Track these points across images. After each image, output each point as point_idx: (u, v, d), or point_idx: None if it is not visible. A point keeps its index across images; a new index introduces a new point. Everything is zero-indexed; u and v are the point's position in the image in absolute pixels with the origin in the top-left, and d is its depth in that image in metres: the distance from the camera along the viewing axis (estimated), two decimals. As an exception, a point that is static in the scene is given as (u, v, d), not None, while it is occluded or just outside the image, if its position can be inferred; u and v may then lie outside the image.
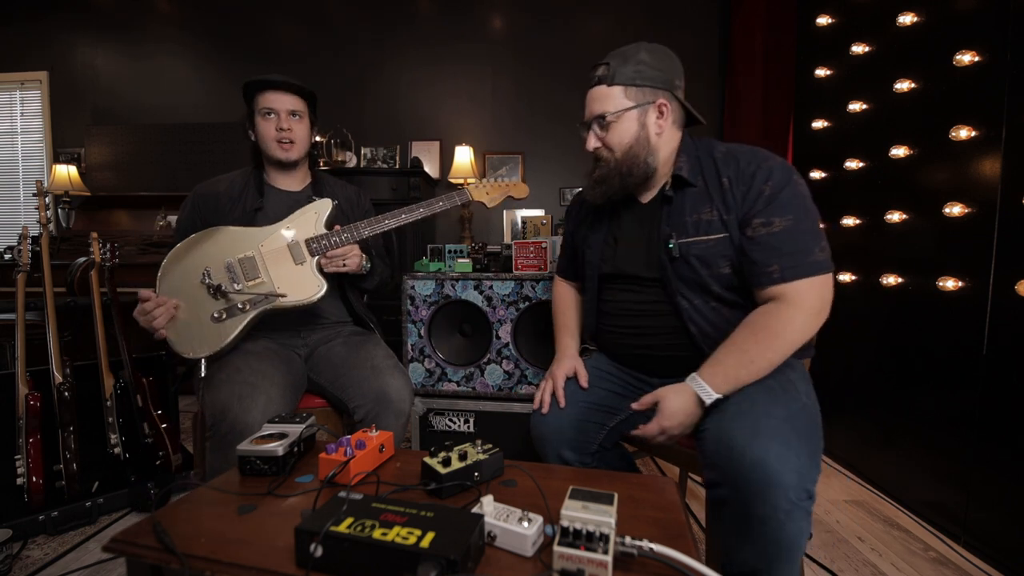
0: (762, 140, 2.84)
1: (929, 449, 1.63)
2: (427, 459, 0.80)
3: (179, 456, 1.80)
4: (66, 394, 1.57)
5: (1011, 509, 1.34)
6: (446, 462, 0.79)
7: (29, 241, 1.67)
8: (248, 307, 1.23)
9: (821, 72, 2.29)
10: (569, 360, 1.19)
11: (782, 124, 2.74)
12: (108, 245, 1.81)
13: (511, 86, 3.47)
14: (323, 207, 1.33)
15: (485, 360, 1.74)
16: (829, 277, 0.95)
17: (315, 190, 1.45)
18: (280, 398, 1.16)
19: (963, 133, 1.50)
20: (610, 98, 1.04)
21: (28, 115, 3.76)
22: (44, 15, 3.66)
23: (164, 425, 1.77)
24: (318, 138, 1.62)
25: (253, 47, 3.57)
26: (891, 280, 1.77)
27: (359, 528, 0.59)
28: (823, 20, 2.29)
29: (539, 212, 3.43)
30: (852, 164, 2.03)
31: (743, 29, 3.06)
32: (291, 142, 1.35)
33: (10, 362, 2.08)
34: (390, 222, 1.33)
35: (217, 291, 1.21)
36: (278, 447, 0.84)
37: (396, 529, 0.58)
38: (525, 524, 0.63)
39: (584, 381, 1.14)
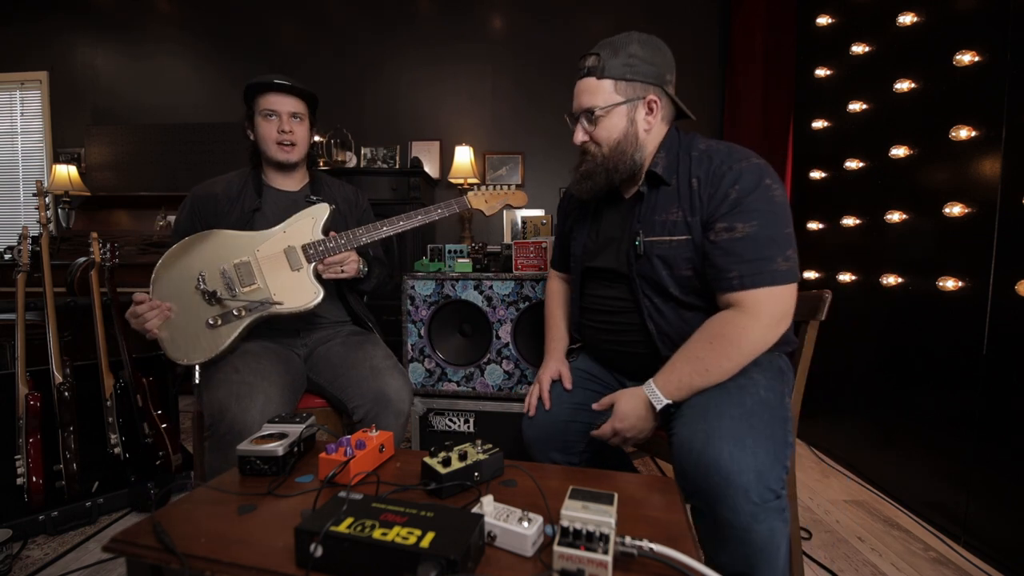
0: (762, 140, 2.83)
1: (929, 449, 1.63)
2: (427, 459, 0.80)
3: (179, 456, 1.80)
4: (66, 394, 1.57)
5: (1011, 509, 1.34)
6: (446, 462, 0.79)
7: (29, 241, 1.67)
8: (244, 313, 1.22)
9: (821, 72, 2.29)
10: (555, 364, 1.21)
11: (782, 124, 2.74)
12: (108, 245, 1.81)
13: (511, 86, 3.47)
14: (320, 212, 1.32)
15: (485, 360, 1.74)
16: (791, 288, 0.93)
17: (313, 190, 1.45)
18: (279, 398, 1.16)
19: (963, 133, 1.50)
20: (599, 92, 1.01)
21: (28, 115, 3.76)
22: (44, 15, 3.66)
23: (164, 425, 1.77)
24: (317, 138, 1.62)
25: (253, 47, 3.56)
26: (891, 280, 1.77)
27: (359, 528, 0.59)
28: (823, 20, 2.29)
29: (539, 212, 3.42)
30: (852, 164, 2.03)
31: (743, 29, 3.06)
32: (292, 144, 1.35)
33: (10, 362, 2.08)
34: (387, 229, 1.33)
35: (212, 297, 1.21)
36: (278, 447, 0.84)
37: (396, 529, 0.58)
38: (525, 524, 0.63)
39: (568, 383, 1.15)
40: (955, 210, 1.51)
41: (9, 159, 3.81)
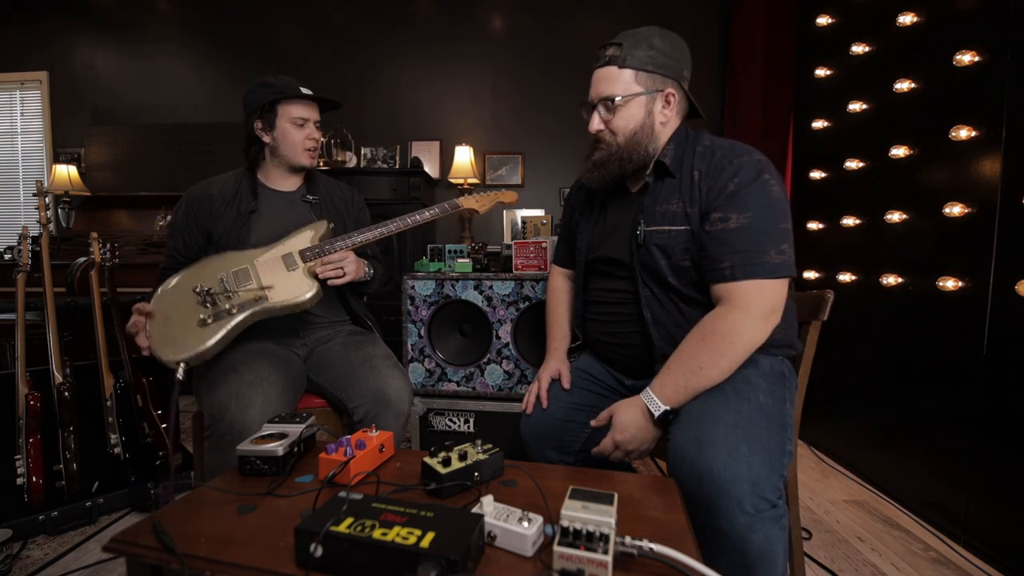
0: (762, 140, 2.83)
1: (929, 449, 1.63)
2: (427, 459, 0.80)
3: (179, 456, 1.80)
4: (66, 394, 1.57)
5: (1011, 509, 1.34)
6: (446, 462, 0.79)
7: (29, 241, 1.67)
8: (236, 310, 1.21)
9: (821, 72, 2.29)
10: (555, 363, 1.21)
11: (782, 124, 2.74)
12: (108, 245, 1.81)
13: (511, 86, 3.47)
14: (320, 227, 1.35)
15: (485, 360, 1.74)
16: (782, 283, 0.93)
17: (309, 189, 1.46)
18: (278, 398, 1.16)
19: (963, 133, 1.50)
20: (620, 81, 1.01)
21: (28, 115, 3.76)
22: (44, 15, 3.66)
23: (164, 425, 1.77)
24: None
25: (253, 47, 3.56)
26: (891, 280, 1.77)
27: (359, 528, 0.59)
28: (823, 20, 2.29)
29: (539, 212, 3.42)
30: (852, 164, 2.03)
31: (743, 29, 3.06)
32: (316, 151, 1.42)
33: (10, 362, 2.09)
34: (382, 231, 1.35)
35: (207, 295, 1.21)
36: (278, 447, 0.84)
37: (396, 529, 0.58)
38: (525, 524, 0.62)
39: (567, 383, 1.15)
40: (955, 210, 1.51)
41: (9, 159, 3.81)
